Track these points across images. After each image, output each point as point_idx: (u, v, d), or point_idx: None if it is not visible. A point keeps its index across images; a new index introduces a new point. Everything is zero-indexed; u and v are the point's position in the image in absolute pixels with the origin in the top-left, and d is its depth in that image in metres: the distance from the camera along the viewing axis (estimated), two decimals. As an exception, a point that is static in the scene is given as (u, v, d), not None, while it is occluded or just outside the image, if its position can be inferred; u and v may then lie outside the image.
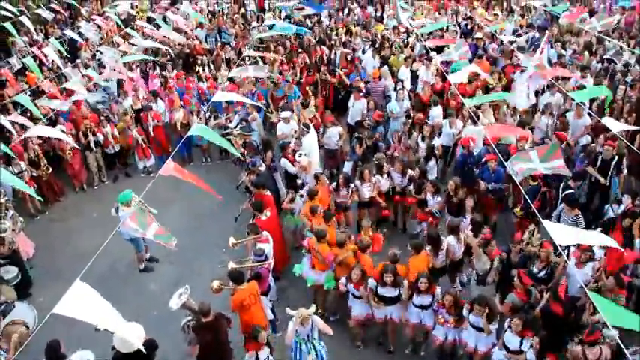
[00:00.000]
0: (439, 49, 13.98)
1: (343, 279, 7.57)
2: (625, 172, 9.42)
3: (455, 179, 9.09)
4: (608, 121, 8.83)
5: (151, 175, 11.56)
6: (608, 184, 9.35)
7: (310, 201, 8.78)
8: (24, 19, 14.92)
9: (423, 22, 16.34)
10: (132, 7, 18.96)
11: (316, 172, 9.57)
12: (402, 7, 18.06)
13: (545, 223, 6.09)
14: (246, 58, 14.03)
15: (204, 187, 7.51)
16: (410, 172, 9.59)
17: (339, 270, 7.81)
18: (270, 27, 16.72)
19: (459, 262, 8.23)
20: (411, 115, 11.39)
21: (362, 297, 7.41)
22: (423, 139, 10.67)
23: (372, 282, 7.29)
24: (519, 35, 15.33)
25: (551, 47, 13.67)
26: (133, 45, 14.90)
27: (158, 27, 16.41)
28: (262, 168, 9.80)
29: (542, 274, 7.41)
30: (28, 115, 11.75)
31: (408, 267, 7.58)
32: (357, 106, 12.02)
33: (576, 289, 7.20)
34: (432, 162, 10.31)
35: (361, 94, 12.17)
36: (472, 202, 8.72)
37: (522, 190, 7.70)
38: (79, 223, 11.00)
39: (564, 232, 6.06)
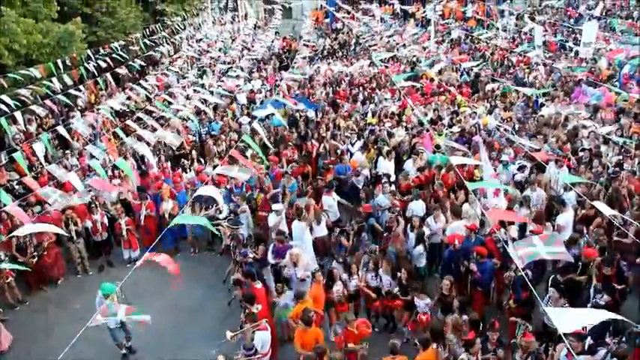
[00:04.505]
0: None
1: None
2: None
3: (448, 277, 9.00)
4: (600, 206, 8.97)
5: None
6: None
7: (298, 303, 8.47)
8: (17, 115, 15.50)
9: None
10: (128, 99, 19.73)
11: (313, 270, 9.42)
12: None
13: (548, 310, 6.07)
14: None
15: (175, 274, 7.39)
16: (399, 274, 9.31)
17: None
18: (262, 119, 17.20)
19: None
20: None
21: None
22: (412, 229, 10.72)
23: None
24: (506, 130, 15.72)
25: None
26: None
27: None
28: (251, 256, 9.69)
29: None
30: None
31: None
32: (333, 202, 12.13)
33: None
34: (421, 248, 10.33)
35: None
36: (458, 302, 8.51)
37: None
38: (61, 315, 10.68)
39: (567, 317, 5.86)
